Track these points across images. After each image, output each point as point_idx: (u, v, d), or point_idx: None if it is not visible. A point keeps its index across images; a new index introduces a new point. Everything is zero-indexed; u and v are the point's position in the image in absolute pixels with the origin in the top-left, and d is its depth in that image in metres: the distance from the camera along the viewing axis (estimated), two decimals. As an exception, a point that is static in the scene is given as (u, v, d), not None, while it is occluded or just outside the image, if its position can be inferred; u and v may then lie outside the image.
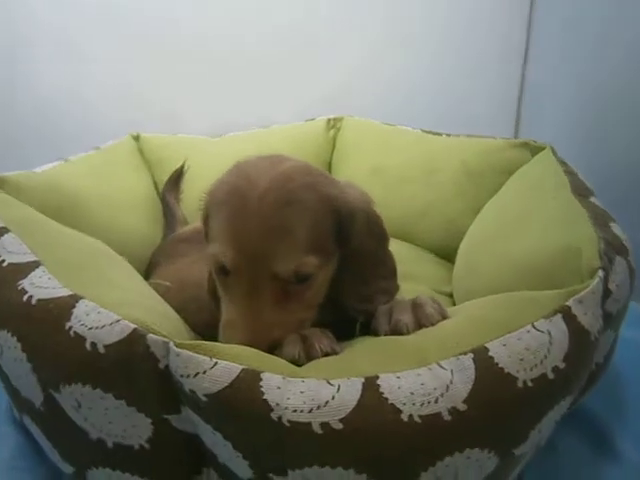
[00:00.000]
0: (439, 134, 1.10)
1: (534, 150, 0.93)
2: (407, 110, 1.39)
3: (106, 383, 0.46)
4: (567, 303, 0.51)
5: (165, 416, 0.48)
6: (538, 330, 0.50)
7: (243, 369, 0.44)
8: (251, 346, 0.50)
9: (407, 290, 0.66)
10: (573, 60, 1.26)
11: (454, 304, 0.80)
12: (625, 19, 1.09)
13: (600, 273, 0.55)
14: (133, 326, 0.46)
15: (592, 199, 0.75)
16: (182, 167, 1.19)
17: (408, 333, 0.57)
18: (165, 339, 0.46)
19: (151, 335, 0.46)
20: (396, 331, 0.57)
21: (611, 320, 0.60)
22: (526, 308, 0.52)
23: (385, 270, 0.65)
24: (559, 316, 0.51)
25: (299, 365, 0.51)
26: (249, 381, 0.44)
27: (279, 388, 0.44)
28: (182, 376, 0.44)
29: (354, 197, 0.61)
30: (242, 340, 0.52)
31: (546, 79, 1.39)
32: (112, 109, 1.35)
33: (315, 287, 0.58)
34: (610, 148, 1.15)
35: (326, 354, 0.53)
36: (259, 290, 0.55)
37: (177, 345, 0.45)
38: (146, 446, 0.48)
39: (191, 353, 0.44)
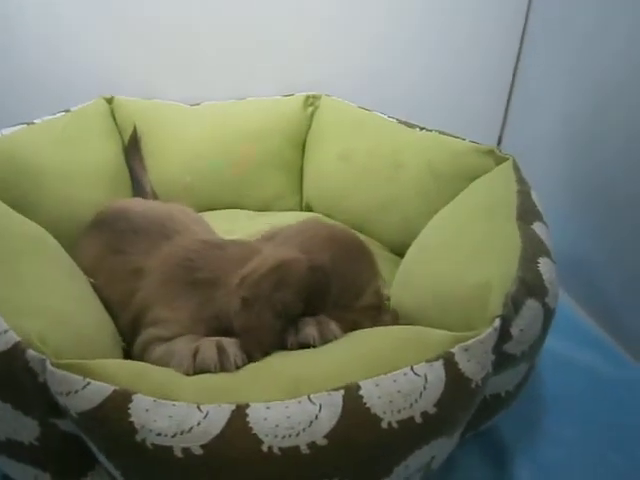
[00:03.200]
0: (413, 126, 1.07)
1: (498, 160, 0.90)
2: (390, 95, 1.35)
3: (-7, 387, 0.49)
4: (452, 349, 0.52)
5: (52, 420, 0.51)
6: (415, 374, 0.51)
7: (114, 390, 0.47)
8: None
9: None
10: (563, 67, 1.23)
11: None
12: (614, 29, 1.06)
13: (496, 322, 0.55)
14: (17, 339, 0.48)
15: (535, 225, 0.74)
16: (135, 133, 1.16)
17: (315, 346, 0.60)
18: (42, 356, 0.48)
19: (30, 351, 0.48)
20: (303, 344, 0.61)
21: (515, 359, 0.61)
22: (411, 348, 0.54)
23: None
24: (440, 362, 0.52)
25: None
26: (119, 402, 0.46)
27: (147, 411, 0.46)
28: (56, 393, 0.47)
29: None
30: None
31: (536, 86, 1.35)
32: (87, 72, 1.30)
33: None
34: (596, 157, 1.11)
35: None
36: None
37: (53, 364, 0.47)
38: (35, 444, 0.52)
39: (65, 372, 0.46)
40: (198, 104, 1.25)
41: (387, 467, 0.51)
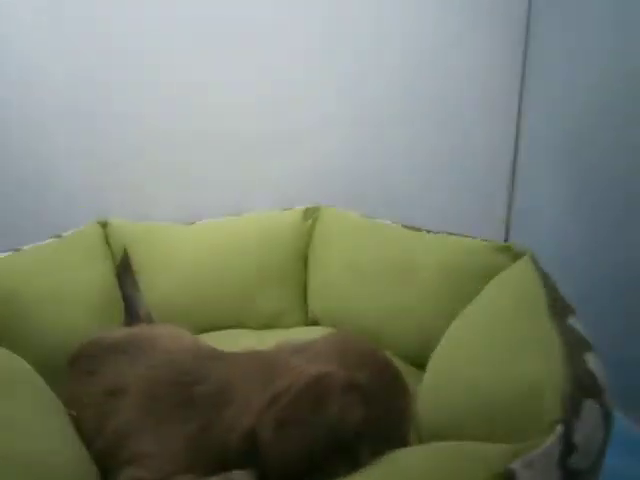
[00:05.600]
0: (419, 230, 1.04)
1: (515, 256, 0.86)
2: (388, 198, 1.36)
3: None
4: (512, 465, 0.43)
5: None
6: (472, 499, 0.41)
7: None
8: None
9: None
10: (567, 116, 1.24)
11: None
12: (621, 69, 1.07)
13: (559, 428, 0.46)
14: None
15: (570, 320, 0.67)
16: (126, 256, 1.12)
17: None
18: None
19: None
20: None
21: (581, 477, 0.51)
22: (462, 467, 0.44)
23: None
24: (500, 482, 0.42)
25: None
26: None
27: None
28: None
29: None
30: None
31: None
32: (79, 193, 1.30)
33: None
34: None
35: None
36: None
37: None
38: None
39: None
40: (193, 222, 1.23)
41: None
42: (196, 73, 1.31)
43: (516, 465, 0.43)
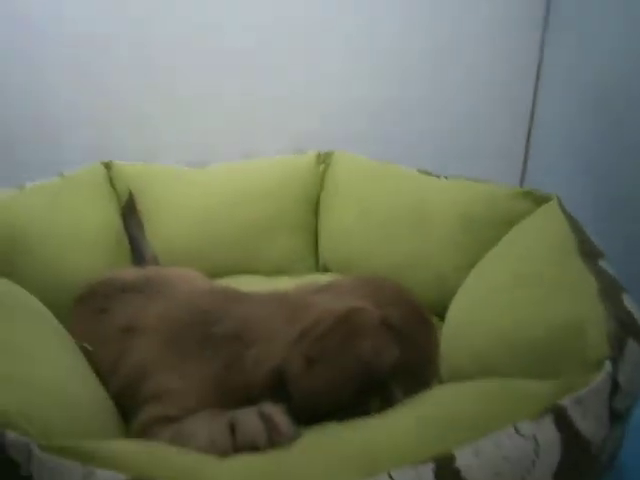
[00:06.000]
0: (436, 176, 1.01)
1: (539, 200, 0.83)
2: (404, 145, 1.30)
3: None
4: (562, 402, 0.41)
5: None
6: (521, 435, 0.39)
7: (129, 480, 0.34)
8: None
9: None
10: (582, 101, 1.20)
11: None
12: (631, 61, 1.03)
13: (608, 365, 0.44)
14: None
15: (601, 263, 0.64)
16: (132, 198, 1.09)
17: None
18: (27, 439, 0.35)
19: (10, 433, 0.35)
20: None
21: (618, 419, 0.49)
22: (509, 403, 0.42)
23: None
24: (550, 418, 0.40)
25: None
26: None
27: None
28: (47, 489, 0.34)
29: None
30: None
31: (554, 118, 1.32)
32: (83, 135, 1.25)
33: None
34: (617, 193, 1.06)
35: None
36: None
37: (41, 447, 0.35)
38: None
39: (58, 459, 0.34)
40: (203, 166, 1.19)
41: None
42: (211, 13, 1.25)
43: (566, 402, 0.41)
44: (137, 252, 1.03)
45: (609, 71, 1.11)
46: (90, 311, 0.69)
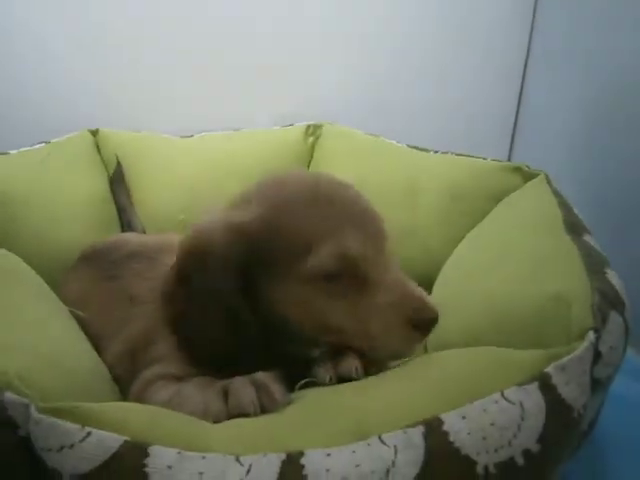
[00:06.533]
0: (426, 150, 1.01)
1: (527, 176, 0.84)
2: (395, 121, 1.29)
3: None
4: (546, 369, 0.42)
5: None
6: (508, 401, 0.40)
7: (126, 441, 0.35)
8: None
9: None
10: (570, 81, 1.21)
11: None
12: (620, 43, 1.04)
13: (591, 335, 0.45)
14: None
15: (586, 238, 0.66)
16: (120, 167, 1.07)
17: (358, 378, 0.49)
18: (25, 400, 0.36)
19: (8, 394, 0.36)
20: (344, 376, 0.50)
21: (601, 386, 0.51)
22: (496, 370, 0.43)
23: None
24: (535, 385, 0.41)
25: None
26: (132, 458, 0.34)
27: (170, 468, 0.34)
28: (43, 449, 0.34)
29: None
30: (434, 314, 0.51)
31: (543, 100, 1.33)
32: (72, 105, 1.22)
33: None
34: (605, 171, 1.08)
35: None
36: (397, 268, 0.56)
37: (39, 409, 0.35)
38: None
39: (55, 420, 0.34)
40: (190, 136, 1.17)
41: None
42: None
43: (551, 369, 0.42)
44: (125, 221, 1.02)
45: (599, 49, 1.11)
46: (92, 276, 0.69)
